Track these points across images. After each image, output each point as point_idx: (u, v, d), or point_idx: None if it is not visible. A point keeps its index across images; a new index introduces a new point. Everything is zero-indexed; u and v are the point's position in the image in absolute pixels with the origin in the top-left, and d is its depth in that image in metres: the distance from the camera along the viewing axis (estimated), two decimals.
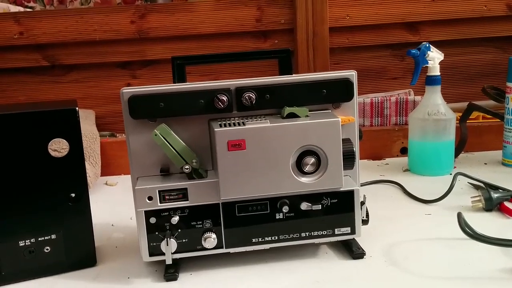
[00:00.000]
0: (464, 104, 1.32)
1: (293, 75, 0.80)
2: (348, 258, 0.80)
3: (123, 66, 1.55)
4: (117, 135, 1.49)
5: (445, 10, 1.50)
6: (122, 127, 0.78)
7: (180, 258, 0.78)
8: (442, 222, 0.92)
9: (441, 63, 1.19)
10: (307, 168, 0.74)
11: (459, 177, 1.07)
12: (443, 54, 1.19)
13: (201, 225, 0.76)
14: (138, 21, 1.48)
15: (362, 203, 0.79)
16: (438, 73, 1.18)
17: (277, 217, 0.77)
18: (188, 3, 1.49)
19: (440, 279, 0.72)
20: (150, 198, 0.74)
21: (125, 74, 1.55)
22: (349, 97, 0.79)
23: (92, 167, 1.26)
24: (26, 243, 0.77)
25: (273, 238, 0.77)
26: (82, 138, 0.81)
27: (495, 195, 0.95)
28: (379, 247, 0.82)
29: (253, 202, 0.76)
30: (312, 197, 0.76)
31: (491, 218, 0.93)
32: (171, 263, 0.75)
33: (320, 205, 0.77)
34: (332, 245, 0.84)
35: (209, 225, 0.76)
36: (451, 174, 1.19)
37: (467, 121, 1.32)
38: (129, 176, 0.79)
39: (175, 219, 0.75)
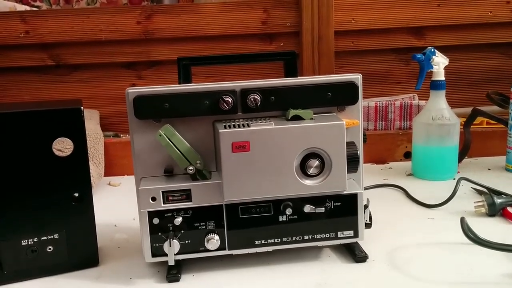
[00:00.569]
0: (468, 110, 1.32)
1: (298, 77, 0.80)
2: (350, 261, 0.79)
3: (128, 67, 1.55)
4: (121, 135, 1.49)
5: (450, 16, 1.50)
6: (126, 128, 0.78)
7: (183, 259, 0.78)
8: (445, 227, 0.91)
9: (445, 68, 1.19)
10: (311, 171, 0.74)
11: (463, 182, 1.07)
12: (448, 59, 1.19)
13: (204, 227, 0.76)
14: (144, 21, 1.48)
15: (366, 207, 0.79)
16: (443, 78, 1.18)
17: (280, 220, 0.77)
18: (194, 5, 1.50)
19: (442, 284, 0.71)
20: (153, 199, 0.74)
21: (130, 75, 1.55)
22: (354, 100, 0.79)
23: (96, 167, 1.26)
24: (29, 242, 0.77)
25: (276, 241, 0.77)
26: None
27: (498, 200, 0.95)
28: (382, 251, 0.82)
29: (256, 204, 0.76)
30: (316, 200, 0.76)
31: (494, 223, 0.92)
32: (173, 264, 0.75)
33: (324, 208, 0.77)
34: (335, 248, 0.84)
35: (212, 226, 0.76)
36: (454, 179, 1.19)
37: (471, 126, 1.31)
38: (133, 176, 0.79)
39: (178, 220, 0.75)
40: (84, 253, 0.81)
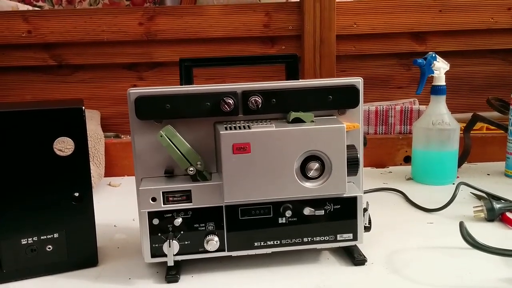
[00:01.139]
0: (469, 115, 1.33)
1: (300, 80, 0.80)
2: (349, 264, 0.80)
3: (130, 68, 1.55)
4: (122, 136, 1.50)
5: (452, 21, 1.51)
6: (127, 129, 0.78)
7: (182, 260, 0.78)
8: (444, 231, 0.92)
9: (446, 73, 1.19)
10: (311, 173, 0.74)
11: (462, 187, 1.07)
12: (448, 64, 1.19)
13: (203, 228, 0.76)
14: (146, 23, 1.48)
15: (365, 210, 0.79)
16: (444, 83, 1.18)
17: (280, 222, 0.77)
18: (196, 7, 1.50)
19: None
20: (153, 199, 0.75)
21: (132, 76, 1.55)
22: (354, 103, 0.79)
23: (96, 167, 1.26)
24: (29, 241, 0.78)
25: (275, 243, 0.77)
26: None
27: (497, 205, 0.95)
28: (381, 254, 0.82)
29: (256, 206, 0.76)
30: (315, 202, 0.76)
31: (492, 228, 0.93)
32: (173, 264, 0.75)
33: (323, 211, 0.77)
34: (334, 251, 0.84)
35: (212, 227, 0.76)
36: (454, 183, 1.19)
37: (471, 132, 1.32)
38: (133, 177, 0.80)
39: (178, 221, 0.75)
40: (83, 252, 0.81)
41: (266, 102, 0.77)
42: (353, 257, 0.80)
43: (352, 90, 0.79)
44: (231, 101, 0.76)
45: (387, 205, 1.08)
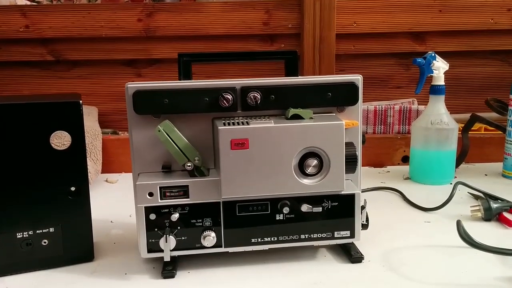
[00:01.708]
0: (467, 116, 1.33)
1: (299, 77, 0.80)
2: (346, 261, 0.79)
3: (128, 64, 1.55)
4: (119, 132, 1.49)
5: (451, 22, 1.50)
6: (125, 125, 0.78)
7: (179, 256, 0.78)
8: (441, 230, 0.91)
9: (445, 74, 1.19)
10: (309, 170, 0.74)
11: (459, 186, 1.07)
12: (448, 64, 1.19)
13: (200, 223, 0.76)
14: (145, 19, 1.48)
15: (363, 208, 0.79)
16: (443, 83, 1.18)
17: (277, 218, 0.77)
18: (196, 3, 1.50)
19: (437, 286, 0.71)
20: (150, 194, 0.74)
21: (130, 72, 1.55)
22: (353, 101, 0.79)
23: (93, 163, 1.26)
24: (24, 235, 0.77)
25: (272, 239, 0.77)
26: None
27: (494, 205, 0.95)
28: (378, 252, 0.82)
29: (253, 202, 0.76)
30: (313, 199, 0.76)
31: (489, 227, 0.92)
32: (169, 260, 0.75)
33: (321, 208, 0.76)
34: (331, 248, 0.84)
35: (209, 223, 0.76)
36: (451, 183, 1.19)
37: (469, 132, 1.32)
38: (130, 174, 0.79)
39: (175, 216, 0.75)
40: (79, 247, 0.80)
41: (265, 98, 0.77)
42: (350, 254, 0.80)
43: (351, 87, 0.78)
44: (229, 97, 0.75)
45: (385, 204, 1.08)
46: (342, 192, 0.76)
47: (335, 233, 0.78)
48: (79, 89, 1.53)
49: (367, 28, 1.50)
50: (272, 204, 0.76)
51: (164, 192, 0.74)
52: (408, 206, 1.06)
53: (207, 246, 0.76)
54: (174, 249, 0.75)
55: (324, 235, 0.78)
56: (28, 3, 1.54)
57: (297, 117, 0.75)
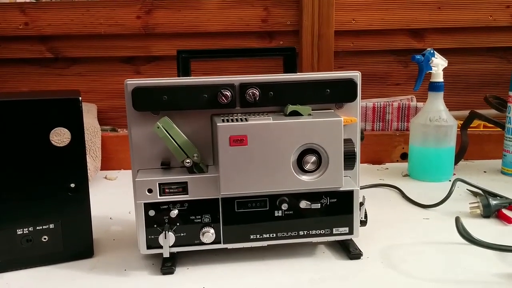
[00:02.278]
0: (466, 112, 1.33)
1: (298, 73, 0.80)
2: (345, 258, 0.80)
3: (127, 61, 1.55)
4: (118, 130, 1.49)
5: (450, 19, 1.50)
6: (124, 122, 0.78)
7: (178, 252, 0.78)
8: (440, 227, 0.92)
9: (444, 70, 1.19)
10: (308, 167, 0.74)
11: (458, 183, 1.07)
12: (447, 61, 1.19)
13: (199, 220, 0.76)
14: (144, 16, 1.48)
15: (361, 204, 0.79)
16: (442, 80, 1.18)
17: (276, 215, 0.77)
18: (194, 1, 1.49)
19: (436, 282, 0.72)
20: (150, 191, 0.74)
21: (129, 69, 1.55)
22: (352, 97, 0.79)
23: (93, 160, 1.26)
24: (24, 232, 0.77)
25: (271, 236, 0.77)
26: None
27: (493, 202, 0.95)
28: (377, 249, 0.82)
29: (252, 199, 0.76)
30: (312, 196, 0.76)
31: (488, 224, 0.93)
32: (168, 256, 0.75)
33: (319, 204, 0.77)
34: (330, 244, 0.84)
35: (208, 220, 0.76)
36: (450, 180, 1.19)
37: (468, 129, 1.32)
38: (129, 171, 0.79)
39: (174, 213, 0.75)
40: (79, 243, 0.81)
41: (264, 94, 0.77)
42: (349, 251, 0.80)
43: (349, 84, 0.79)
44: (228, 93, 0.76)
45: (384, 201, 1.08)
46: (341, 189, 0.77)
47: (334, 229, 0.78)
48: (78, 86, 1.53)
49: (365, 25, 1.50)
50: (270, 200, 0.76)
51: (163, 188, 0.75)
52: (407, 203, 1.06)
53: (206, 242, 0.76)
54: (173, 246, 0.76)
55: (322, 231, 0.78)
56: (28, 0, 1.54)
57: (295, 113, 0.75)
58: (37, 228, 0.78)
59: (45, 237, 0.78)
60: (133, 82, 0.75)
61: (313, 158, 0.73)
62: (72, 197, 0.79)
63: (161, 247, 0.75)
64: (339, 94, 0.79)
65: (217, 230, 0.76)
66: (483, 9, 1.50)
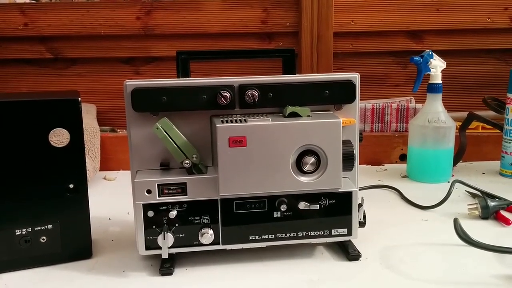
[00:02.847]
0: (464, 114, 1.33)
1: (297, 75, 0.80)
2: (343, 259, 0.80)
3: (127, 62, 1.55)
4: (118, 130, 1.49)
5: (449, 20, 1.51)
6: (123, 123, 0.78)
7: (176, 253, 0.78)
8: (438, 228, 0.92)
9: (443, 72, 1.19)
10: (307, 168, 0.74)
11: (457, 185, 1.07)
12: (445, 63, 1.20)
13: (198, 221, 0.76)
14: (143, 17, 1.48)
15: (360, 205, 0.80)
16: (440, 81, 1.19)
17: (274, 216, 0.77)
18: (194, 2, 1.50)
19: (434, 283, 0.72)
20: (149, 192, 0.74)
21: (128, 70, 1.55)
22: (351, 99, 0.79)
23: (92, 161, 1.26)
24: (23, 232, 0.77)
25: (270, 237, 0.77)
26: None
27: (491, 203, 0.95)
28: (375, 250, 0.82)
29: (251, 200, 0.76)
30: (311, 197, 0.76)
31: (487, 226, 0.93)
32: (167, 257, 0.75)
33: (318, 205, 0.77)
34: (328, 245, 0.84)
35: (207, 221, 0.76)
36: (448, 181, 1.19)
37: (467, 131, 1.32)
38: (128, 172, 0.79)
39: (173, 214, 0.75)
40: (77, 244, 0.81)
41: (263, 96, 0.77)
42: (348, 252, 0.80)
43: (348, 85, 0.79)
44: (227, 95, 0.76)
45: (382, 202, 1.08)
46: (340, 190, 0.77)
47: (333, 230, 0.78)
48: (77, 87, 1.53)
49: (364, 27, 1.50)
50: (269, 201, 0.76)
51: (162, 189, 0.75)
52: (406, 204, 1.06)
53: (205, 243, 0.76)
54: (172, 246, 0.76)
55: (321, 232, 0.78)
56: (27, 1, 1.54)
57: (294, 114, 0.76)
58: (36, 228, 0.78)
59: (44, 237, 0.78)
60: (132, 83, 0.75)
61: (312, 159, 0.74)
62: (71, 197, 0.79)
63: (160, 248, 0.75)
64: (338, 95, 0.79)
65: (216, 231, 0.76)
66: (481, 11, 1.50)
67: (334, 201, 0.77)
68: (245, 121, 0.73)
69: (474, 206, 0.97)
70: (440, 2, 1.49)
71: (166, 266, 0.76)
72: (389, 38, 1.53)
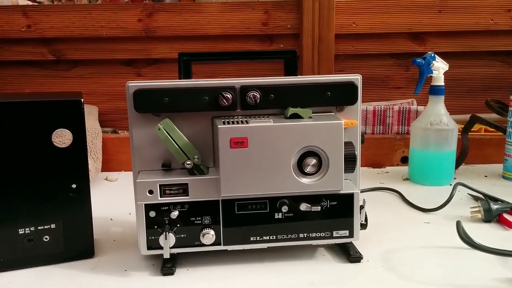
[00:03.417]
0: (467, 117, 1.33)
1: (298, 76, 0.80)
2: (345, 261, 0.80)
3: (128, 64, 1.55)
4: (119, 131, 1.50)
5: (451, 22, 1.51)
6: (125, 124, 0.79)
7: (178, 253, 0.78)
8: (440, 231, 0.92)
9: (445, 74, 1.19)
10: (308, 169, 0.74)
11: (459, 187, 1.07)
12: (448, 65, 1.20)
13: (200, 221, 0.76)
14: (145, 19, 1.48)
15: (361, 207, 0.79)
16: (442, 83, 1.19)
17: (276, 217, 0.77)
18: (195, 4, 1.50)
19: (436, 286, 0.72)
20: (150, 192, 0.75)
21: (130, 72, 1.55)
22: (353, 100, 0.79)
23: (93, 162, 1.26)
24: (26, 231, 0.78)
25: (271, 238, 0.77)
26: None
27: (494, 206, 0.95)
28: (377, 252, 0.82)
29: (252, 201, 0.76)
30: (312, 198, 0.76)
31: (489, 229, 0.93)
32: (168, 257, 0.76)
33: (320, 207, 0.77)
34: (330, 247, 0.84)
35: (208, 221, 0.76)
36: (451, 184, 1.19)
37: (469, 133, 1.32)
38: (130, 173, 0.80)
39: (175, 214, 0.75)
40: (80, 244, 0.81)
41: (264, 97, 0.77)
42: (349, 254, 0.80)
43: (350, 87, 0.79)
44: (229, 96, 0.76)
45: (384, 204, 1.08)
46: (341, 192, 0.77)
47: (334, 232, 0.78)
48: (79, 89, 1.53)
49: (366, 29, 1.51)
50: (271, 202, 0.76)
51: (164, 190, 0.75)
52: (407, 206, 1.06)
53: (206, 244, 0.76)
54: (173, 247, 0.76)
55: (322, 234, 0.78)
56: (30, 3, 1.55)
57: (296, 116, 0.76)
58: (39, 228, 0.78)
59: (47, 237, 0.79)
60: (134, 84, 0.76)
61: (313, 161, 0.74)
62: (73, 197, 0.79)
63: (161, 248, 0.75)
64: (340, 97, 0.79)
65: (217, 232, 0.76)
66: (484, 13, 1.50)
67: (336, 202, 0.77)
68: (247, 122, 0.73)
69: (477, 209, 0.96)
70: (442, 4, 1.49)
71: (167, 266, 0.76)
72: (390, 40, 1.53)
